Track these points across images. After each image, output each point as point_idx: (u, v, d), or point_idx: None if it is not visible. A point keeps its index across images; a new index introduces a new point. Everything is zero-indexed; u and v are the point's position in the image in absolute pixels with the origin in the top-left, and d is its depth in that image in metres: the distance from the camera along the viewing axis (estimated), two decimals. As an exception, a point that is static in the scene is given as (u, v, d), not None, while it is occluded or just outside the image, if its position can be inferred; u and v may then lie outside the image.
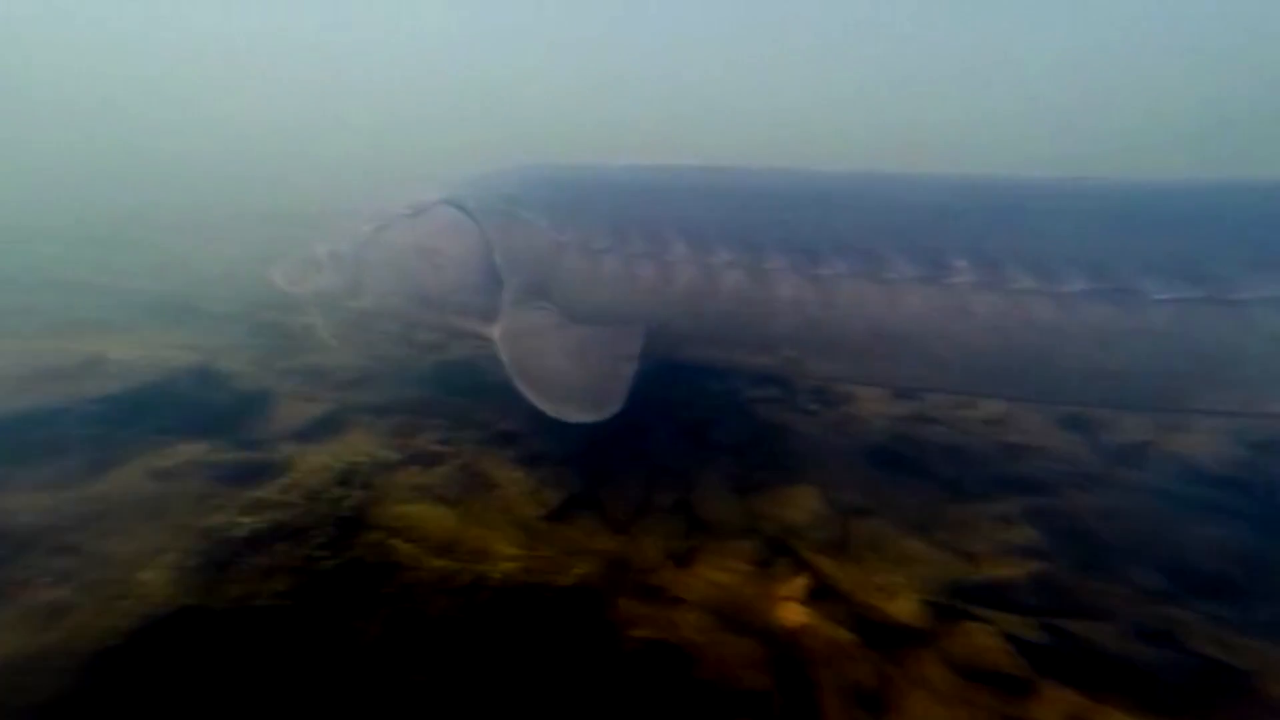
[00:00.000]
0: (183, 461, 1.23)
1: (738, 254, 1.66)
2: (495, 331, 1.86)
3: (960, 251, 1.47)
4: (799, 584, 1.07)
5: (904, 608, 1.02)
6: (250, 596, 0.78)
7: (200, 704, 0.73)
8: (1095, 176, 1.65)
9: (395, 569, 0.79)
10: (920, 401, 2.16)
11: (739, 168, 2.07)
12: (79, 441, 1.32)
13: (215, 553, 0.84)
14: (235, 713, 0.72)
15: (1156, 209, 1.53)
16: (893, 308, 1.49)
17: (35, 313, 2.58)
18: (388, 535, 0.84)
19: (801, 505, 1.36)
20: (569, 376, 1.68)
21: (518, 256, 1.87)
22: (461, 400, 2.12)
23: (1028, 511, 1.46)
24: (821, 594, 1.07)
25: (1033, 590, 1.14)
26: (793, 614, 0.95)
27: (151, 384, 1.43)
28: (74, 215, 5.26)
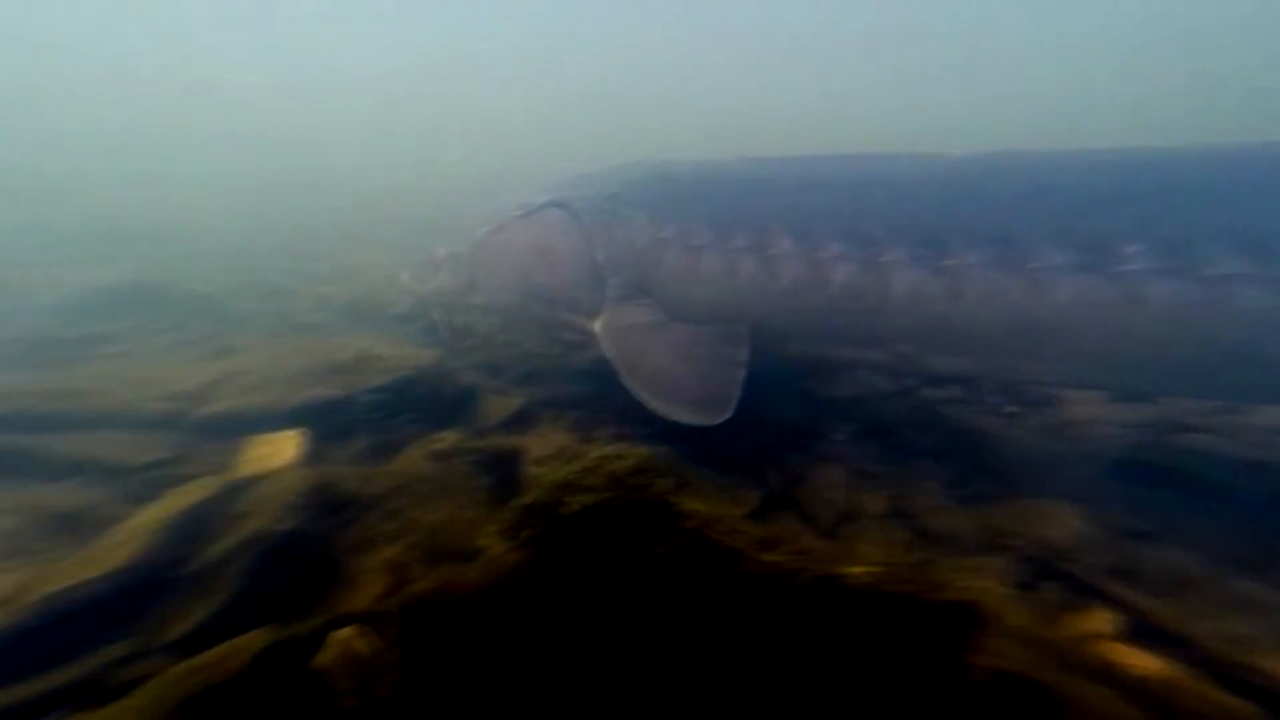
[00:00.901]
0: (450, 446, 1.43)
1: (850, 246, 1.58)
2: (597, 326, 1.89)
3: (1131, 236, 1.31)
4: (1105, 619, 0.95)
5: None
6: (590, 570, 0.89)
7: (554, 668, 0.84)
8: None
9: (730, 558, 0.85)
10: (1154, 405, 1.87)
11: (848, 155, 1.95)
12: (365, 425, 1.60)
13: (543, 527, 0.96)
14: (590, 679, 0.82)
15: None
16: (1042, 299, 1.36)
17: (271, 317, 3.13)
18: (702, 524, 0.92)
19: (1058, 522, 1.24)
20: (676, 376, 1.68)
21: (619, 253, 1.88)
22: (623, 395, 2.23)
23: None
24: (1145, 636, 0.92)
25: None
26: (1138, 660, 0.83)
27: (408, 379, 1.69)
28: (255, 235, 6.27)
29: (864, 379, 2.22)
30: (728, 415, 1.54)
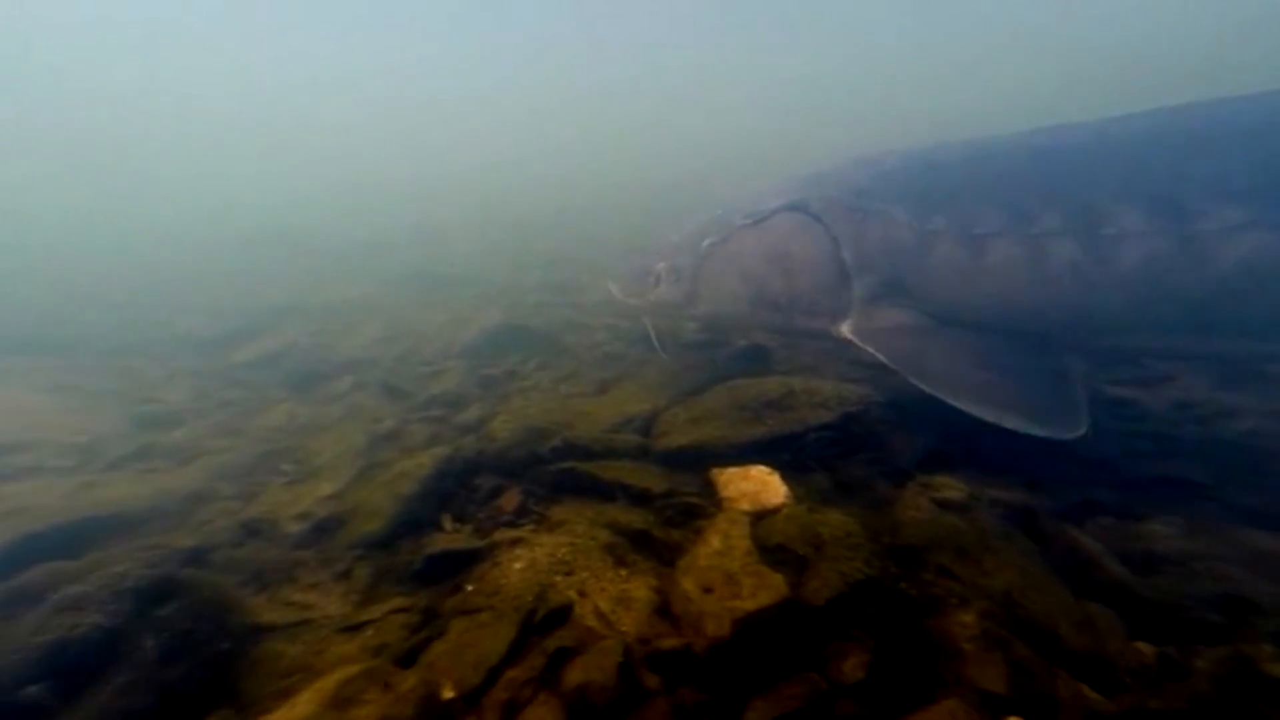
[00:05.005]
0: (964, 496, 1.37)
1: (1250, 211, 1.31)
2: (845, 329, 1.81)
3: None
4: None
5: None
6: None
7: None
8: None
9: None
10: None
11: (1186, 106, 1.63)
12: (819, 462, 1.67)
13: None
14: None
15: None
16: None
17: (588, 349, 3.65)
18: None
19: None
20: (997, 383, 1.52)
21: (871, 251, 1.79)
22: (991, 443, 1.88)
23: None
24: None
25: None
26: None
27: (850, 414, 1.71)
28: (518, 271, 7.42)
29: None
30: (1083, 430, 1.38)
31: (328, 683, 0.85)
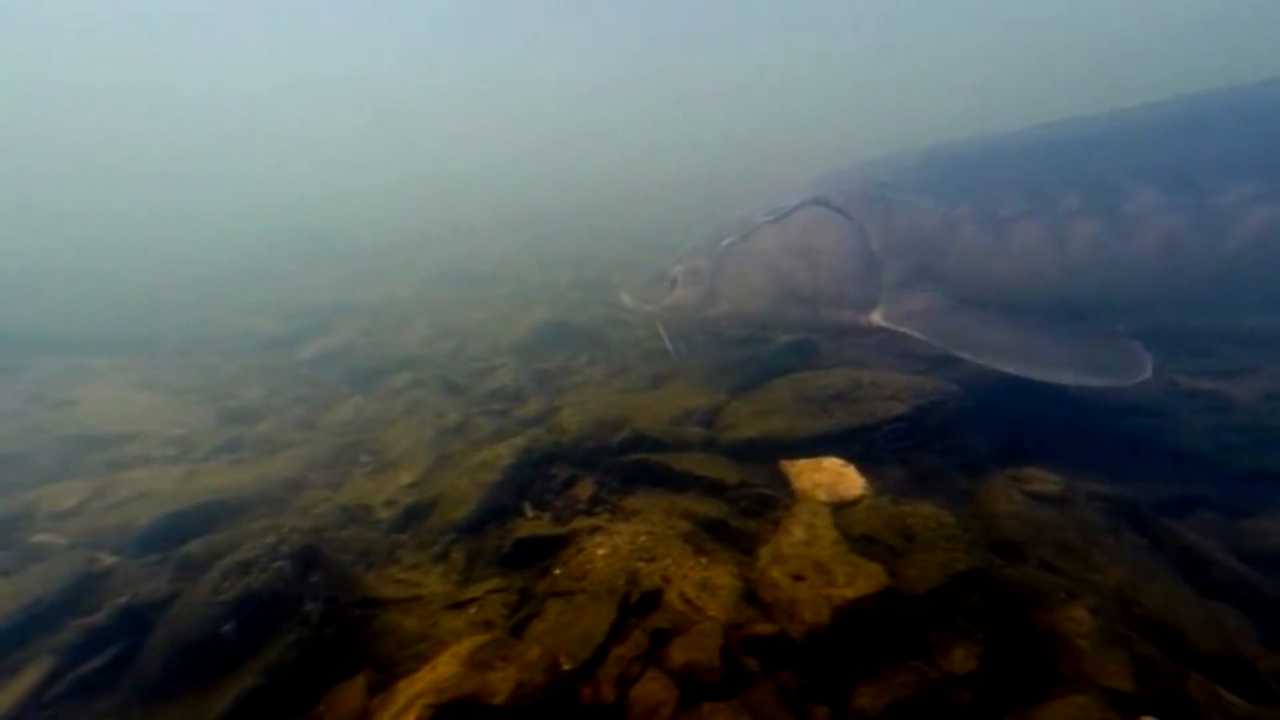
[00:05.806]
0: (1060, 489, 1.34)
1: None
2: (876, 317, 1.82)
3: None
4: None
5: None
6: None
7: None
8: None
9: None
10: None
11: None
12: (893, 454, 1.66)
13: None
14: None
15: None
16: None
17: (631, 344, 3.72)
18: None
19: None
20: (1050, 345, 1.53)
21: (898, 240, 1.83)
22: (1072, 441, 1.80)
23: None
24: None
25: None
26: None
27: (922, 406, 1.69)
28: (549, 269, 7.52)
29: None
30: (1146, 374, 1.38)
31: (461, 649, 0.91)
